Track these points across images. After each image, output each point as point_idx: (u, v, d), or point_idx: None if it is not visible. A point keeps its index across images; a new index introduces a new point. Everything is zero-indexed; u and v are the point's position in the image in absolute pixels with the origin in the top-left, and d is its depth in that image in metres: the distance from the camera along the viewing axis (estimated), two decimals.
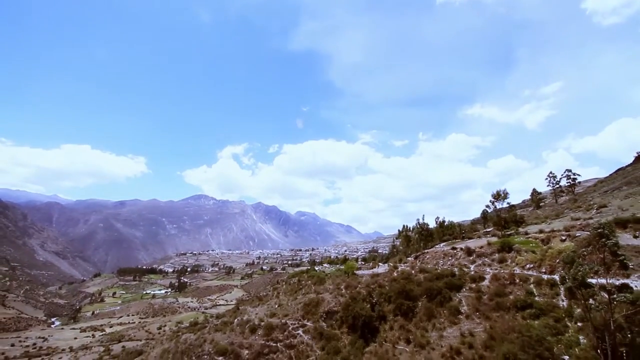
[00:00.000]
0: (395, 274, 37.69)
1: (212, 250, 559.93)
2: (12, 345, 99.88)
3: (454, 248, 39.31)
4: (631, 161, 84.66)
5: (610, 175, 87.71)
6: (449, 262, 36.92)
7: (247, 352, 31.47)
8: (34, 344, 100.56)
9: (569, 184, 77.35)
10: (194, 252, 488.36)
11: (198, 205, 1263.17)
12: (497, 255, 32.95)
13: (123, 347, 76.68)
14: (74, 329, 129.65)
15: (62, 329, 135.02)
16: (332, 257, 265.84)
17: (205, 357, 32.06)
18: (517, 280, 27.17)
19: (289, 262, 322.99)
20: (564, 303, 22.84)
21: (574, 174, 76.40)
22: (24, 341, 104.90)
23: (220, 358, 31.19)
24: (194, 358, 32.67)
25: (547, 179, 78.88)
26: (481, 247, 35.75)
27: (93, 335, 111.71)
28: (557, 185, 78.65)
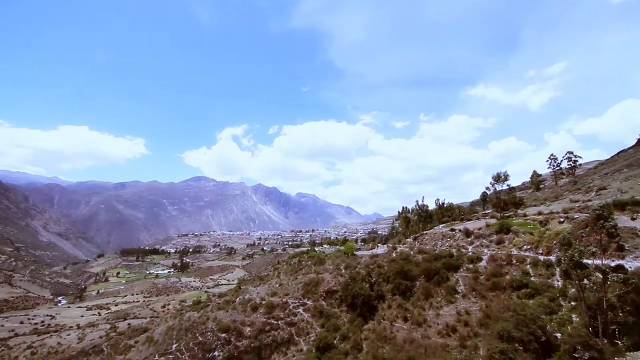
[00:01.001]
0: (394, 255, 38.26)
1: (214, 232, 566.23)
2: (21, 322, 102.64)
3: (452, 229, 39.70)
4: (633, 143, 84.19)
5: (612, 157, 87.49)
6: (447, 243, 37.38)
7: (249, 329, 32.41)
8: (42, 321, 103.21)
9: (569, 166, 77.02)
10: (196, 233, 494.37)
11: (198, 186, 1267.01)
12: (495, 236, 33.32)
13: (129, 324, 78.81)
14: (80, 307, 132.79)
15: (69, 307, 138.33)
16: (332, 238, 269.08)
17: (209, 334, 33.03)
18: (514, 261, 27.60)
19: (290, 243, 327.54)
20: (559, 283, 23.31)
21: (575, 156, 75.93)
22: (32, 319, 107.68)
23: (223, 335, 32.15)
24: (197, 335, 33.66)
25: (548, 161, 78.48)
26: (479, 229, 36.11)
27: (99, 313, 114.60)
28: (558, 168, 78.31)
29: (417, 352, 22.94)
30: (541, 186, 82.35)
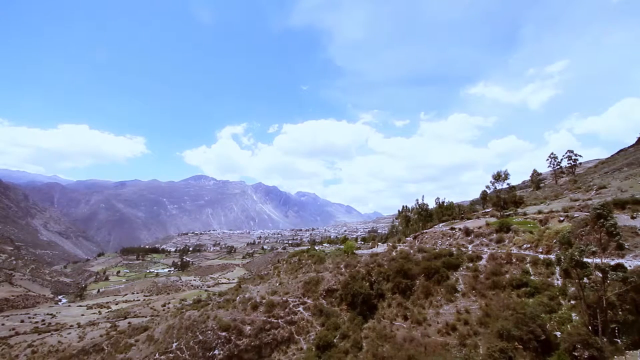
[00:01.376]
0: (394, 254, 38.27)
1: (214, 230, 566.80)
2: (22, 321, 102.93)
3: (452, 228, 39.69)
4: (634, 142, 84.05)
5: (612, 156, 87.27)
6: (447, 242, 37.39)
7: (249, 328, 32.46)
8: (43, 320, 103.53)
9: (569, 164, 76.95)
10: (196, 232, 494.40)
11: (198, 185, 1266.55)
12: (495, 235, 33.32)
13: (129, 323, 79.00)
14: (80, 306, 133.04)
15: (69, 306, 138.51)
16: (332, 237, 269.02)
17: (209, 332, 33.08)
18: (514, 260, 27.63)
19: (290, 242, 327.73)
20: (559, 282, 23.34)
21: (575, 155, 75.83)
22: (33, 317, 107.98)
23: (224, 334, 32.20)
24: (198, 334, 33.71)
25: (548, 159, 78.39)
26: (479, 228, 36.10)
27: (99, 312, 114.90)
28: (558, 166, 78.23)
29: (417, 351, 23.00)
30: (541, 185, 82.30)
